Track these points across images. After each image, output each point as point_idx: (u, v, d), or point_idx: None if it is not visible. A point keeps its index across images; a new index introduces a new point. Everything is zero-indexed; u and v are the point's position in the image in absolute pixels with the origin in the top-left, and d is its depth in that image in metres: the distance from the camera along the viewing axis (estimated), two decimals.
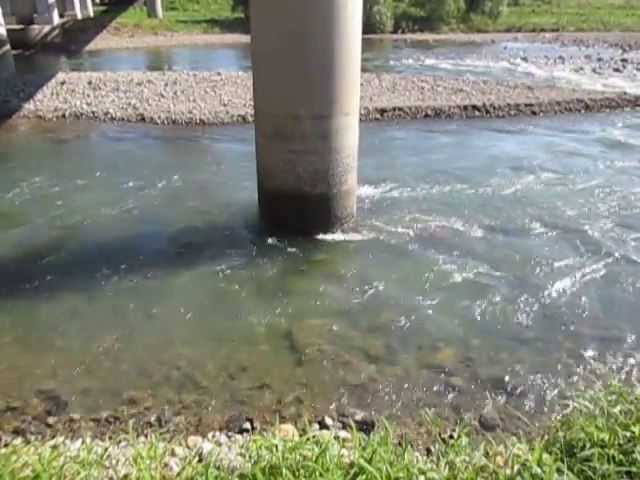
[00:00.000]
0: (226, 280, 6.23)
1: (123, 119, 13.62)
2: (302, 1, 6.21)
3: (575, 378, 4.64)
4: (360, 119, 7.51)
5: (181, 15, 40.56)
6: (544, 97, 15.76)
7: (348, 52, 6.52)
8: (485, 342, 5.14)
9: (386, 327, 5.38)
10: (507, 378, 4.64)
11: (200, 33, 36.61)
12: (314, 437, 2.73)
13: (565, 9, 48.12)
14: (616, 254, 6.82)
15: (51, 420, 4.12)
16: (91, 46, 30.73)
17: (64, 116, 13.79)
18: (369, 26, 33.15)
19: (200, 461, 2.87)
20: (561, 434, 2.79)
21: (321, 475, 2.35)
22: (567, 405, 4.15)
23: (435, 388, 4.52)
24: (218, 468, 2.60)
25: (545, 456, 2.50)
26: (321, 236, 7.22)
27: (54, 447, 2.95)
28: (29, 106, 14.21)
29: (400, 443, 3.32)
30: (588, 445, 2.58)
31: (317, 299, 5.85)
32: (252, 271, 6.45)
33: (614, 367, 4.79)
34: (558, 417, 4.01)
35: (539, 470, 2.39)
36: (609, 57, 26.93)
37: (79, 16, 35.56)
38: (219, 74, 18.07)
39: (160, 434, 3.66)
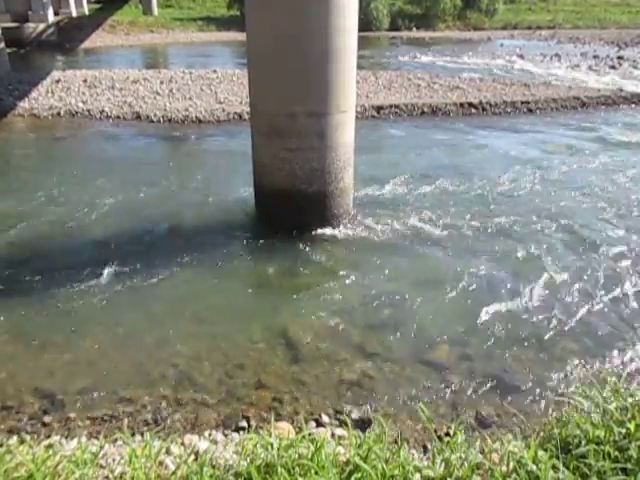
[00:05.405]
0: (222, 278, 6.22)
1: (119, 117, 13.57)
2: None
3: (571, 375, 4.65)
4: (356, 117, 7.49)
5: (177, 13, 40.45)
6: (540, 94, 15.78)
7: (344, 49, 6.50)
8: (482, 339, 5.14)
9: (383, 324, 5.38)
10: (503, 375, 4.64)
11: (196, 31, 36.56)
12: (310, 435, 2.73)
13: (561, 7, 48.21)
14: (613, 250, 6.84)
15: (47, 419, 4.09)
16: (86, 44, 30.61)
17: (59, 114, 13.73)
18: (365, 23, 33.17)
19: (196, 459, 2.86)
20: (557, 431, 2.79)
21: (316, 473, 2.34)
22: (563, 402, 4.15)
23: (431, 385, 4.52)
24: (214, 467, 2.59)
25: (541, 453, 2.50)
26: (317, 234, 7.21)
27: (49, 446, 2.94)
28: (24, 104, 14.13)
29: (396, 440, 3.32)
30: (584, 442, 2.58)
31: (313, 296, 5.84)
32: (248, 269, 6.44)
33: (610, 364, 4.80)
34: (554, 414, 4.02)
35: (534, 467, 2.39)
36: (605, 54, 26.99)
37: (74, 14, 35.39)
38: (215, 72, 18.02)
39: (156, 432, 3.67)
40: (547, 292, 5.95)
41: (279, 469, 2.37)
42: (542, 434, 2.98)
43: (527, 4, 48.71)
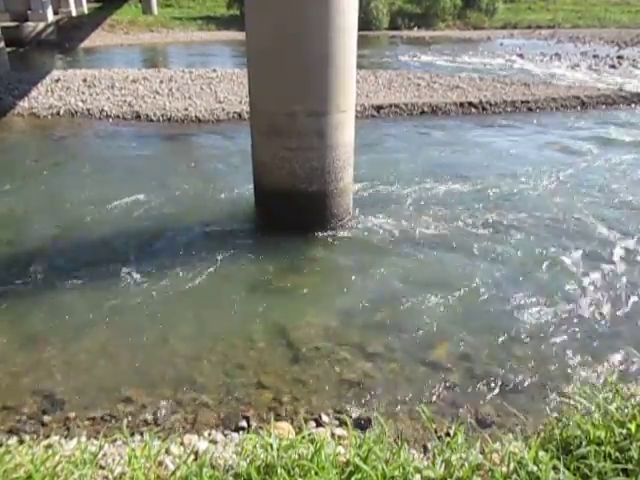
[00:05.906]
0: (222, 278, 6.21)
1: (118, 117, 13.55)
2: None
3: (572, 375, 4.64)
4: (356, 116, 7.48)
5: (176, 12, 40.37)
6: (540, 94, 15.76)
7: (344, 49, 6.48)
8: (482, 338, 5.14)
9: (383, 324, 5.37)
10: (504, 375, 4.63)
11: (196, 30, 36.47)
12: (310, 435, 2.72)
13: (561, 6, 48.11)
14: (617, 250, 6.83)
15: (46, 419, 4.09)
16: (86, 43, 30.55)
17: (59, 114, 13.70)
18: (365, 23, 33.08)
19: (196, 460, 2.86)
20: (557, 431, 2.78)
21: (316, 474, 2.34)
22: (563, 402, 4.15)
23: (432, 385, 4.52)
24: (213, 467, 2.59)
25: (541, 454, 2.50)
26: (317, 233, 7.19)
27: (48, 446, 2.94)
28: (23, 104, 14.10)
29: (396, 441, 3.31)
30: (584, 443, 2.57)
31: (313, 296, 5.84)
32: (248, 269, 6.43)
33: (611, 364, 4.79)
34: (554, 414, 4.01)
35: (535, 468, 2.38)
36: (605, 54, 26.94)
37: (74, 13, 35.35)
38: (215, 71, 17.99)
39: (156, 432, 3.66)
40: (548, 292, 5.93)
41: (279, 470, 2.36)
42: (543, 434, 2.97)
43: (527, 3, 48.55)
